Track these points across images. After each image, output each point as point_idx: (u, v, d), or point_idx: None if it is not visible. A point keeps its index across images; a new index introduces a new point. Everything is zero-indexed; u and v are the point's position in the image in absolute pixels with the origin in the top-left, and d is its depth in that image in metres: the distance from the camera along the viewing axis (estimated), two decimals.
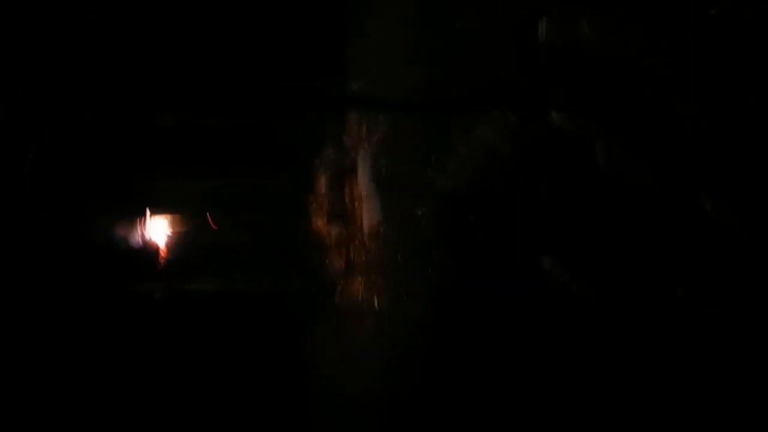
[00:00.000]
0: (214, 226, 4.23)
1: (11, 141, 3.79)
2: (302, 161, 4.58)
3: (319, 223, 4.66)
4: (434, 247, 3.63)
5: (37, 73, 3.74)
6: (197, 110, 4.22)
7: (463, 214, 3.38)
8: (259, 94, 4.27)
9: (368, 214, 4.33)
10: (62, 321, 3.94)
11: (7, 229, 3.75)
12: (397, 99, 3.83)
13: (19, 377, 3.75)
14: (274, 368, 4.18)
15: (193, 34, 4.07)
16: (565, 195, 3.06)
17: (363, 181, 4.42)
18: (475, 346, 3.45)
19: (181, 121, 4.14)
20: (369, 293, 4.21)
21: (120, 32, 3.90)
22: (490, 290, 3.17)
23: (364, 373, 4.03)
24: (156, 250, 4.41)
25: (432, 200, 3.67)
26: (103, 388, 4.00)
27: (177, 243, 4.42)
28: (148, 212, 4.36)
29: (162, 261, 4.31)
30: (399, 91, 3.79)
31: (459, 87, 3.34)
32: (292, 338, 4.25)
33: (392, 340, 3.99)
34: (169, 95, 4.10)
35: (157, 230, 4.43)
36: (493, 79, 3.21)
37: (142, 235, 4.35)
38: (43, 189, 4.01)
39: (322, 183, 4.69)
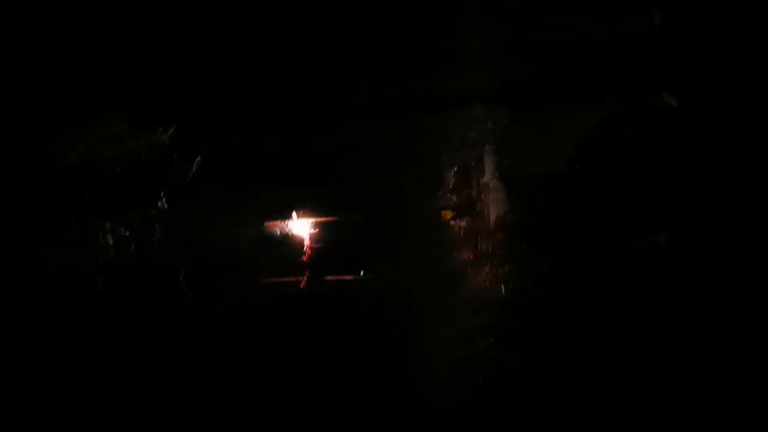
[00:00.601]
0: None
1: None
2: (430, 158, 4.78)
3: (447, 216, 4.91)
4: (554, 235, 3.83)
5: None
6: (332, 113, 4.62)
7: (580, 202, 3.55)
8: (387, 99, 4.60)
9: (493, 206, 4.59)
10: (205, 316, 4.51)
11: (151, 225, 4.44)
12: (513, 93, 4.03)
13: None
14: (403, 355, 4.49)
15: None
16: (676, 180, 3.16)
17: (488, 175, 4.67)
18: (596, 328, 3.61)
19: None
20: (494, 280, 4.46)
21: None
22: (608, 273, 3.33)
23: (490, 359, 4.28)
24: (301, 247, 4.80)
25: (550, 189, 3.87)
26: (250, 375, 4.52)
27: (318, 240, 4.80)
28: (294, 214, 4.72)
29: (306, 256, 4.70)
30: (512, 85, 4.00)
31: (569, 76, 3.51)
32: (421, 326, 4.53)
33: (518, 326, 4.22)
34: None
35: (302, 229, 4.79)
36: (602, 66, 3.36)
37: (290, 234, 4.75)
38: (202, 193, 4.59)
39: (449, 178, 4.93)
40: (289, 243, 4.75)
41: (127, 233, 4.36)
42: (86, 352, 4.21)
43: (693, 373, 2.92)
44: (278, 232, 4.77)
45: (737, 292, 2.79)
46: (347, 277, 4.72)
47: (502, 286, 4.41)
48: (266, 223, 4.71)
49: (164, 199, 4.43)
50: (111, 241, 4.30)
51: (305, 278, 4.68)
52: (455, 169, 4.83)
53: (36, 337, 4.17)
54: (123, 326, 4.31)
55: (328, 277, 4.70)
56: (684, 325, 2.90)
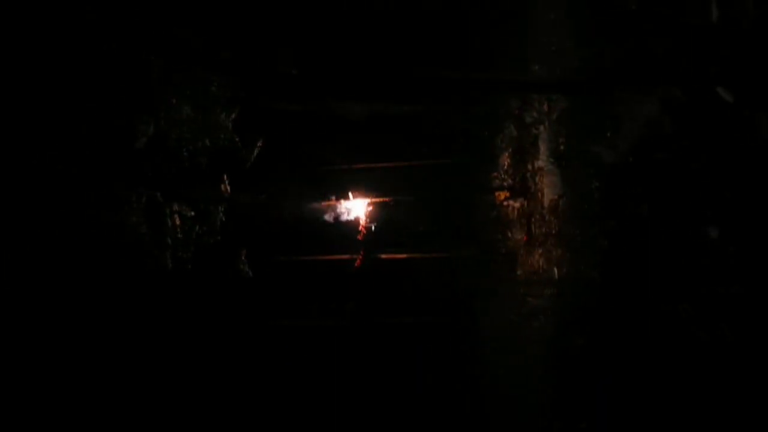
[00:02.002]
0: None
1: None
2: (486, 140, 4.92)
3: (502, 197, 5.03)
4: (607, 219, 3.94)
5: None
6: (388, 99, 4.76)
7: (632, 187, 3.66)
8: (447, 83, 4.75)
9: (548, 189, 4.68)
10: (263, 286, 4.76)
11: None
12: (569, 79, 4.13)
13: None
14: (456, 333, 4.68)
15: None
16: (728, 168, 3.25)
17: (543, 157, 4.77)
18: (646, 308, 3.74)
19: (371, 111, 4.71)
20: (548, 264, 4.60)
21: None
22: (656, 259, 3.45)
23: (542, 339, 4.45)
24: (357, 224, 4.98)
25: (604, 174, 3.97)
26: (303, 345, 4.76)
27: (371, 218, 4.96)
28: (350, 193, 4.91)
29: (361, 234, 4.86)
30: (572, 72, 4.10)
31: (627, 65, 3.61)
32: (474, 305, 4.71)
33: (570, 307, 4.36)
34: (360, 86, 4.75)
35: (357, 207, 4.94)
36: (658, 56, 3.45)
37: (346, 212, 4.90)
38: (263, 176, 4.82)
39: (505, 160, 5.04)
40: (346, 222, 4.98)
41: (192, 214, 4.62)
42: (154, 328, 4.52)
43: (738, 366, 3.06)
44: (335, 212, 5.02)
45: None
46: (401, 256, 4.91)
47: (555, 269, 4.58)
48: (323, 203, 4.94)
49: (227, 182, 4.67)
50: (178, 221, 4.57)
51: (360, 256, 4.90)
52: (510, 150, 4.98)
53: (104, 313, 4.47)
54: (191, 303, 4.57)
55: (383, 256, 4.90)
56: (731, 319, 3.03)
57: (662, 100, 3.40)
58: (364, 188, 4.97)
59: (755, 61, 2.89)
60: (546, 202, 4.70)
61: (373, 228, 4.92)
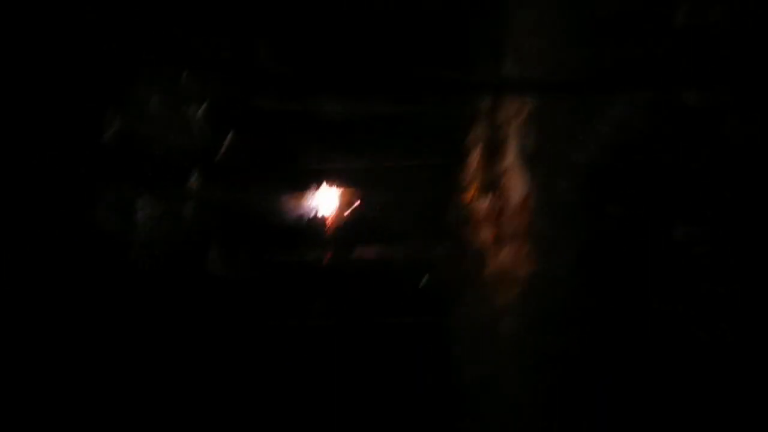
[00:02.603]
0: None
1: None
2: (458, 140, 5.02)
3: (471, 196, 5.10)
4: (575, 219, 4.02)
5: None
6: (363, 99, 4.85)
7: (601, 188, 3.75)
8: (416, 82, 4.79)
9: (518, 187, 4.71)
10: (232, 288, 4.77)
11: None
12: (541, 80, 4.22)
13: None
14: (423, 330, 4.75)
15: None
16: (696, 169, 3.37)
17: (512, 156, 4.82)
18: (617, 305, 3.84)
19: (346, 111, 4.76)
20: (517, 260, 4.59)
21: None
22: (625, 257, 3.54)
23: (512, 336, 4.52)
24: (325, 222, 5.01)
25: (575, 174, 4.05)
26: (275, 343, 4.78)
27: (343, 217, 4.99)
28: (319, 189, 4.98)
29: (330, 231, 4.89)
30: (543, 73, 4.19)
31: (597, 68, 3.70)
32: (444, 303, 4.78)
33: (539, 304, 4.42)
34: (335, 85, 4.79)
35: (327, 205, 4.98)
36: (628, 59, 3.55)
37: (318, 210, 4.95)
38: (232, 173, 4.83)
39: (476, 159, 5.11)
40: (317, 220, 4.97)
41: (162, 210, 4.57)
42: (123, 326, 4.48)
43: (717, 368, 3.18)
44: (306, 205, 5.03)
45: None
46: (372, 254, 4.99)
47: (525, 267, 4.61)
48: (295, 201, 4.96)
49: (197, 175, 4.67)
50: (146, 217, 4.52)
51: (330, 254, 4.93)
52: (480, 150, 5.05)
53: (73, 306, 4.40)
54: (160, 300, 4.53)
55: (354, 254, 4.96)
56: (704, 317, 3.14)
57: (633, 101, 3.51)
58: (336, 187, 5.03)
59: (724, 63, 3.01)
60: (514, 201, 4.69)
61: (344, 226, 4.96)
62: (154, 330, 4.52)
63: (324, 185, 5.00)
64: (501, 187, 4.90)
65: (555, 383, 4.06)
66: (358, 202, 5.04)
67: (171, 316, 4.57)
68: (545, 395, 4.12)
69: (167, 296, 4.57)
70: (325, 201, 5.00)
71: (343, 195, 5.02)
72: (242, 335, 4.77)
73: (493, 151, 4.97)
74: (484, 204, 4.97)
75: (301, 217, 4.96)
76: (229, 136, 4.78)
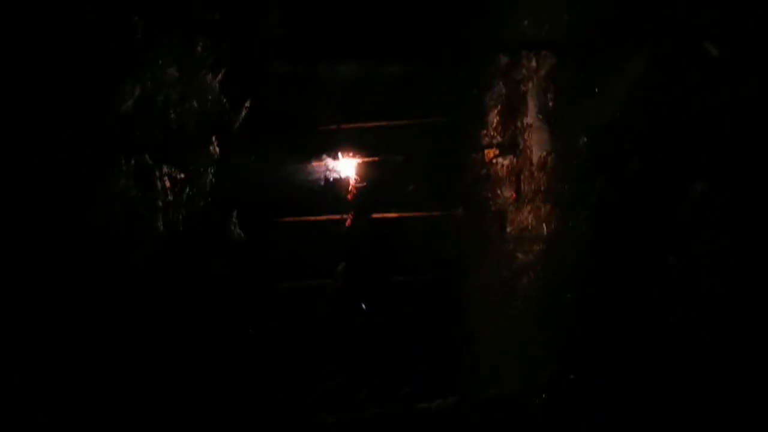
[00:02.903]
0: None
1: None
2: (475, 98, 4.98)
3: (490, 154, 5.09)
4: (594, 177, 4.02)
5: None
6: (378, 59, 4.83)
7: (620, 145, 3.74)
8: (437, 41, 4.76)
9: (536, 146, 4.75)
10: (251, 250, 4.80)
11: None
12: (558, 36, 4.17)
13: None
14: (441, 288, 4.78)
15: None
16: (715, 122, 3.33)
17: (532, 114, 4.81)
18: (636, 264, 3.85)
19: (361, 72, 4.73)
20: (537, 220, 4.67)
21: None
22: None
23: (532, 294, 4.58)
24: (347, 184, 4.99)
25: (593, 130, 4.05)
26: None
27: (360, 179, 4.98)
28: (340, 153, 4.96)
29: (348, 194, 4.91)
30: (561, 29, 4.15)
31: (615, 22, 3.65)
32: (463, 263, 4.80)
33: (559, 263, 4.47)
34: (350, 46, 4.78)
35: (348, 167, 5.00)
36: (646, 13, 3.49)
37: (336, 172, 4.98)
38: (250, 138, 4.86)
39: (494, 117, 5.08)
40: (336, 182, 4.98)
41: (182, 176, 4.61)
42: (148, 291, 4.53)
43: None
44: (325, 172, 4.98)
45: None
46: (392, 215, 4.96)
47: (544, 225, 4.63)
48: (313, 164, 4.96)
49: (216, 144, 4.67)
50: (168, 184, 4.55)
51: (351, 216, 4.92)
52: (499, 107, 5.00)
53: (96, 279, 4.47)
54: (183, 265, 4.59)
55: (374, 215, 4.95)
56: (719, 273, 3.13)
57: (650, 56, 3.46)
58: (354, 148, 5.01)
59: (741, 17, 2.95)
60: (535, 160, 4.75)
61: (362, 188, 4.97)
62: (179, 296, 4.58)
63: (340, 148, 4.98)
64: (520, 146, 4.92)
65: (569, 338, 4.13)
66: (375, 163, 5.02)
67: (194, 281, 4.63)
68: (559, 349, 4.17)
69: (189, 260, 4.61)
70: (343, 162, 4.99)
71: (359, 157, 5.01)
72: (262, 298, 4.80)
73: (512, 110, 4.96)
74: (503, 163, 4.97)
75: (319, 179, 4.96)
76: (247, 103, 4.77)
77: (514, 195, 4.86)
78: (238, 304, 4.77)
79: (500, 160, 4.98)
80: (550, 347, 4.32)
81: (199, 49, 4.68)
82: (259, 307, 4.81)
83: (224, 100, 4.73)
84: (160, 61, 4.58)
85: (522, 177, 4.86)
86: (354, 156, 5.01)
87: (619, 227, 4.01)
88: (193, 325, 4.63)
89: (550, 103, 4.64)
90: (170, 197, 4.58)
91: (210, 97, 4.69)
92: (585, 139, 4.15)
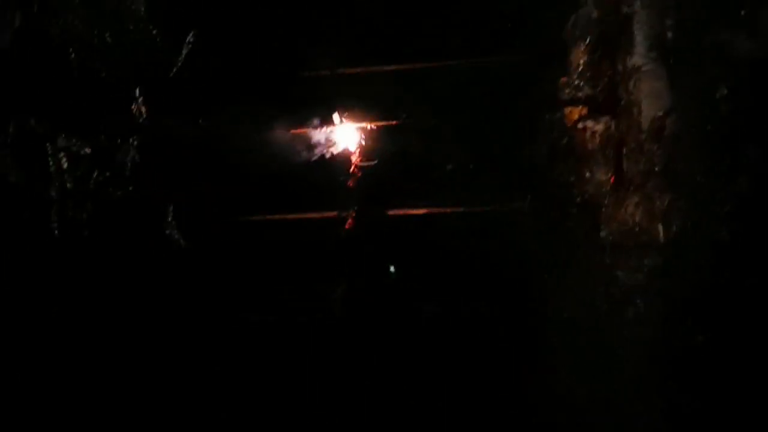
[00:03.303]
0: None
1: None
2: (550, 25, 4.90)
3: (574, 115, 5.00)
4: (743, 146, 3.93)
5: None
6: None
7: None
8: None
9: (648, 101, 4.61)
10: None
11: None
12: None
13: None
14: (506, 326, 4.76)
15: None
16: None
17: (640, 51, 4.65)
18: None
19: None
20: (649, 219, 4.54)
21: None
22: None
23: (642, 334, 4.46)
24: (348, 163, 4.95)
25: (739, 76, 3.94)
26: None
27: (374, 153, 4.97)
28: (337, 114, 4.91)
29: (354, 178, 4.85)
30: None
31: None
32: (535, 285, 4.69)
33: (684, 287, 4.34)
34: None
35: (349, 136, 4.91)
36: None
37: (332, 143, 4.87)
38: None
39: (578, 56, 4.95)
40: (331, 159, 4.92)
41: (88, 151, 4.59)
42: (36, 322, 4.62)
43: None
44: (316, 144, 4.98)
45: None
46: (418, 211, 4.92)
47: (660, 227, 4.55)
48: (296, 130, 4.92)
49: (141, 100, 4.64)
50: (65, 164, 4.54)
51: (353, 213, 4.90)
52: (587, 43, 4.87)
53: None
54: (88, 286, 4.61)
55: (391, 212, 4.93)
56: None
57: None
58: (359, 105, 4.97)
59: None
60: (645, 123, 4.65)
61: (372, 168, 4.94)
62: (81, 328, 4.67)
63: (337, 105, 4.94)
64: (622, 101, 4.82)
65: (699, 408, 4.10)
66: (392, 129, 4.99)
67: (103, 310, 4.68)
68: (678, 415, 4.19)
69: (99, 279, 4.65)
70: (342, 128, 4.94)
71: (367, 119, 4.95)
72: (223, 334, 4.90)
73: (609, 44, 4.86)
74: (594, 128, 4.87)
75: (305, 154, 4.91)
76: (191, 35, 4.71)
77: (612, 179, 4.77)
78: (176, 345, 4.83)
79: (590, 123, 4.89)
80: (672, 413, 4.30)
81: None
82: (210, 349, 4.87)
83: (155, 31, 4.67)
84: None
85: (625, 150, 4.77)
86: (359, 118, 4.95)
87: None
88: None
89: (669, 33, 4.50)
90: (69, 184, 4.55)
91: (133, 26, 4.64)
92: (725, 90, 4.03)
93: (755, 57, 3.88)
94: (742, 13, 3.92)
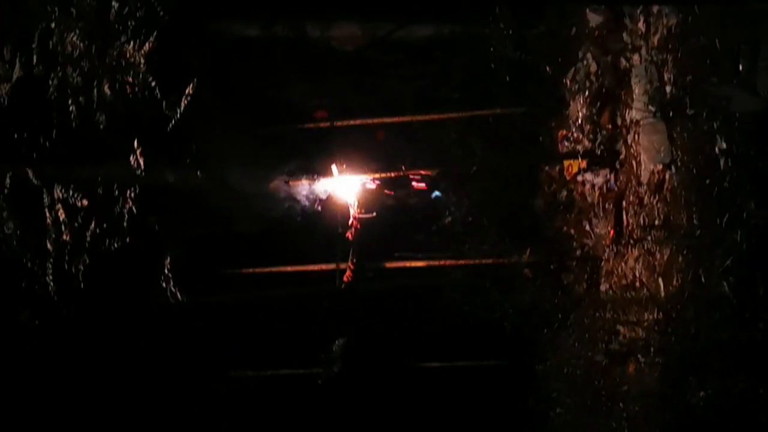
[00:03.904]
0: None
1: None
2: (549, 79, 4.95)
3: (574, 168, 5.02)
4: (743, 200, 3.90)
5: None
6: (393, 15, 5.01)
7: None
8: None
9: (647, 154, 4.59)
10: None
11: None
12: None
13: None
14: (506, 380, 4.73)
15: None
16: None
17: (638, 105, 4.65)
18: None
19: (370, 35, 4.96)
20: (649, 273, 4.50)
21: None
22: None
23: (642, 390, 4.43)
24: (346, 215, 4.95)
25: (737, 128, 3.92)
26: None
27: (371, 205, 4.97)
28: (335, 165, 4.93)
29: (352, 230, 4.86)
30: None
31: None
32: (535, 340, 4.67)
33: (685, 341, 4.27)
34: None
35: (347, 187, 4.94)
36: None
37: (329, 195, 4.94)
38: None
39: (579, 109, 4.98)
40: (330, 211, 4.96)
41: (85, 203, 4.55)
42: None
43: None
44: (312, 195, 4.96)
45: None
46: (417, 264, 4.92)
47: (660, 281, 4.46)
48: (293, 181, 4.92)
49: (139, 152, 4.60)
50: (62, 215, 4.50)
51: (350, 265, 4.85)
52: (587, 96, 4.90)
53: None
54: (84, 341, 4.58)
55: (388, 264, 4.93)
56: None
57: None
58: (358, 157, 4.97)
59: None
60: (645, 177, 4.64)
61: (371, 221, 4.90)
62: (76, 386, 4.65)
63: (335, 156, 4.94)
64: (621, 154, 4.86)
65: None
66: (392, 181, 5.06)
67: (100, 366, 4.65)
68: None
69: (95, 338, 4.63)
70: (338, 182, 4.94)
71: (366, 170, 4.98)
72: (206, 391, 4.91)
73: (607, 97, 4.90)
74: (593, 181, 4.89)
75: (301, 209, 4.96)
76: (189, 87, 4.67)
77: (612, 232, 4.77)
78: (170, 399, 4.83)
79: (589, 176, 4.91)
80: None
81: (116, 2, 4.63)
82: (204, 407, 4.89)
83: (153, 84, 4.66)
84: (55, 22, 4.56)
85: (625, 204, 4.79)
86: (357, 169, 4.97)
87: None
88: None
89: (669, 88, 4.47)
90: (66, 236, 4.53)
91: (132, 77, 4.64)
92: (724, 144, 4.02)
93: (754, 112, 3.84)
94: (741, 68, 3.90)
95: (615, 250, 4.79)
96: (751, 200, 3.92)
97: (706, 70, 4.21)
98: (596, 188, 4.96)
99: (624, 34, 4.83)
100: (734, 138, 3.92)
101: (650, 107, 4.60)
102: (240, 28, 5.11)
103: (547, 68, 4.92)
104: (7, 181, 4.52)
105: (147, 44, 4.70)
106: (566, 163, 5.08)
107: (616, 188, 4.87)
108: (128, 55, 4.67)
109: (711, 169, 4.13)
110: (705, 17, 4.24)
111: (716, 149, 4.04)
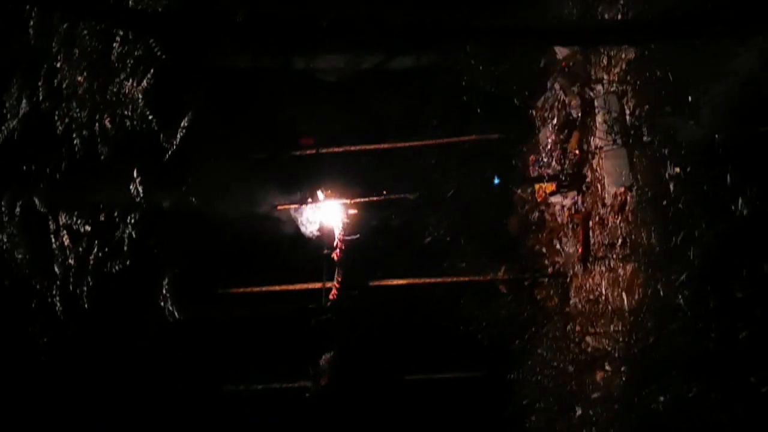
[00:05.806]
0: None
1: None
2: (520, 108, 5.17)
3: (546, 191, 5.12)
4: (695, 219, 4.05)
5: None
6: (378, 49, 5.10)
7: (728, 173, 3.79)
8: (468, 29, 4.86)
9: (610, 178, 4.77)
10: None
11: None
12: (641, 22, 4.23)
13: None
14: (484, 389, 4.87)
15: None
16: None
17: (601, 132, 4.86)
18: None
19: (353, 67, 5.02)
20: (614, 287, 4.66)
21: None
22: None
23: (609, 396, 4.58)
24: (332, 237, 5.09)
25: (688, 155, 4.08)
26: None
27: (357, 227, 5.15)
28: (321, 191, 5.09)
29: (338, 251, 5.01)
30: (643, 14, 4.22)
31: (719, 5, 3.70)
32: (510, 351, 4.88)
33: (647, 351, 4.47)
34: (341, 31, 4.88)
35: (333, 211, 5.11)
36: None
37: (317, 218, 5.11)
38: None
39: (547, 136, 5.15)
40: (317, 233, 5.14)
41: (88, 229, 4.71)
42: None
43: None
44: (299, 218, 5.08)
45: None
46: (399, 282, 4.99)
47: (624, 295, 4.62)
48: (284, 206, 5.11)
49: (139, 181, 4.72)
50: (67, 240, 4.63)
51: (336, 284, 4.94)
52: (555, 124, 5.09)
53: None
54: (88, 357, 4.77)
55: (372, 283, 5.00)
56: None
57: (765, 51, 3.55)
58: (343, 182, 5.13)
59: None
60: (608, 199, 4.79)
61: (356, 242, 5.06)
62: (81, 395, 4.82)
63: (326, 181, 5.14)
64: (587, 178, 5.04)
65: None
66: (374, 205, 5.22)
67: (105, 381, 4.80)
68: None
69: (99, 353, 4.77)
70: (325, 206, 5.09)
71: (351, 195, 5.14)
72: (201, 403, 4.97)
73: (574, 125, 5.09)
74: (562, 203, 5.09)
75: (289, 232, 5.13)
76: (185, 119, 4.80)
77: (580, 250, 4.91)
78: (168, 414, 4.88)
79: (558, 198, 5.09)
80: None
81: (118, 42, 4.66)
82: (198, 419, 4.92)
83: (151, 117, 4.76)
84: (60, 60, 4.59)
85: (591, 223, 4.92)
86: (343, 194, 5.10)
87: (735, 296, 3.97)
88: None
89: (629, 117, 4.68)
90: (71, 260, 4.63)
91: (131, 111, 4.70)
92: (676, 169, 4.19)
93: (701, 139, 3.94)
94: (690, 99, 4.00)
95: (583, 266, 4.90)
96: (702, 220, 4.04)
97: (661, 101, 4.33)
98: (565, 209, 5.06)
99: (588, 67, 4.95)
100: (684, 164, 4.06)
101: (612, 134, 4.75)
102: (232, 61, 5.21)
103: (516, 99, 5.12)
104: (17, 209, 4.58)
105: (145, 81, 4.75)
106: (537, 185, 5.09)
107: (583, 209, 4.89)
108: (128, 91, 4.73)
109: (665, 193, 4.29)
110: (660, 51, 4.35)
111: (667, 174, 4.17)
